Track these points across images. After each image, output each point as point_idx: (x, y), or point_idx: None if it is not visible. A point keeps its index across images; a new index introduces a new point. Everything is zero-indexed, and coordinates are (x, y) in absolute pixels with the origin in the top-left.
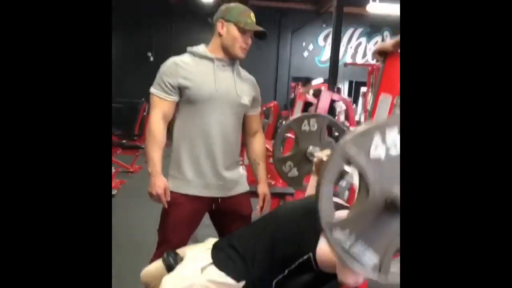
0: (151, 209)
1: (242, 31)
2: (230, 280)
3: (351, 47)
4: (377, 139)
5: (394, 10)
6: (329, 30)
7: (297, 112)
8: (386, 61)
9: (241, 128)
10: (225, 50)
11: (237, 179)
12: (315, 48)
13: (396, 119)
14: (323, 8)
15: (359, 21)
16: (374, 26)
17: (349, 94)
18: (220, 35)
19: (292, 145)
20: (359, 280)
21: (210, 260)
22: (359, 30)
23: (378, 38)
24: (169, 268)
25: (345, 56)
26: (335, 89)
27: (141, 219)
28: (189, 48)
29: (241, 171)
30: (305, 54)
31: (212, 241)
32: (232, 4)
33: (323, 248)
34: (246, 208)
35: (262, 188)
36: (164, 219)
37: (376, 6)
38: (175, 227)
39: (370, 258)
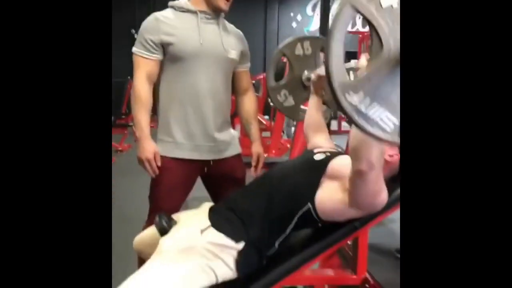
0: (140, 187)
1: None
2: (229, 242)
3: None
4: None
5: None
6: None
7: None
8: None
9: (231, 85)
10: (208, 2)
11: (229, 141)
12: (304, 18)
13: None
14: None
15: None
16: None
17: None
18: None
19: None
20: (374, 160)
21: (208, 223)
22: None
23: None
24: (163, 231)
25: None
26: None
27: (131, 197)
28: (170, 3)
29: (233, 132)
30: (294, 25)
31: (207, 205)
32: None
33: (321, 195)
34: (240, 171)
35: (256, 148)
36: (155, 185)
37: None
38: (166, 193)
39: (387, 120)
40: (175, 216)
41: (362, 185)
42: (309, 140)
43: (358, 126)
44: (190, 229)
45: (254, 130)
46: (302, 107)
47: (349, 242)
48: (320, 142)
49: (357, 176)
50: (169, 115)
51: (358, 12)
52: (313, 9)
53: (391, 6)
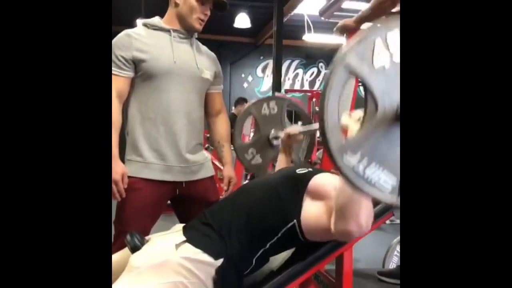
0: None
1: (200, 1)
2: (207, 258)
3: (288, 78)
4: (378, 45)
5: (328, 39)
6: (267, 61)
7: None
8: (349, 37)
9: (203, 106)
10: (182, 21)
11: (201, 162)
12: (254, 80)
13: (395, 19)
14: (260, 40)
15: (296, 53)
16: (309, 58)
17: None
18: (176, 4)
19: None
20: (363, 221)
21: (182, 238)
22: (295, 62)
23: (314, 69)
24: (135, 249)
25: (283, 86)
26: None
27: None
28: (143, 21)
29: (206, 153)
30: (245, 85)
31: (179, 226)
32: None
33: (308, 212)
34: (212, 194)
35: (228, 171)
36: (122, 207)
37: (311, 36)
38: (134, 216)
39: (386, 180)
40: (146, 237)
41: (348, 238)
42: None
43: (356, 187)
44: (164, 244)
45: (226, 152)
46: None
47: (327, 268)
48: None
49: (343, 235)
50: (139, 134)
51: (351, 72)
52: (263, 70)
53: (383, 67)
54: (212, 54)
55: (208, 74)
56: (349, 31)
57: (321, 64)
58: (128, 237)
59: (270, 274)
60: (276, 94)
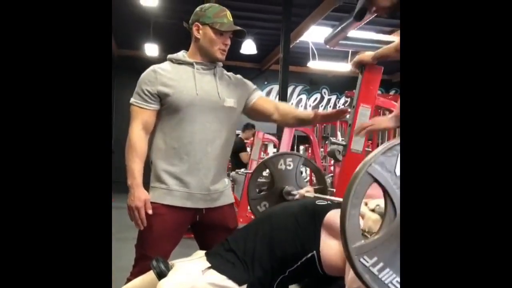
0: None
1: (219, 32)
2: (231, 284)
3: (292, 103)
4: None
5: (332, 66)
6: (271, 86)
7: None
8: (364, 72)
9: (232, 134)
10: (204, 53)
11: (222, 190)
12: None
13: None
14: (265, 66)
15: (300, 79)
16: (313, 84)
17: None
18: (197, 39)
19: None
20: None
21: (207, 264)
22: (299, 87)
23: (317, 95)
24: (161, 275)
25: None
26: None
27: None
28: (168, 56)
29: (226, 181)
30: None
31: (199, 253)
32: (207, 5)
33: (327, 249)
34: (232, 220)
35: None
36: (144, 232)
37: (316, 63)
38: (155, 241)
39: (397, 285)
40: (169, 262)
41: None
42: None
43: (367, 286)
44: (190, 270)
45: (300, 111)
46: None
47: None
48: None
49: None
50: (162, 164)
51: (374, 179)
52: (267, 95)
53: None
54: (237, 77)
55: (231, 102)
56: (364, 66)
57: (324, 90)
58: (154, 262)
59: None
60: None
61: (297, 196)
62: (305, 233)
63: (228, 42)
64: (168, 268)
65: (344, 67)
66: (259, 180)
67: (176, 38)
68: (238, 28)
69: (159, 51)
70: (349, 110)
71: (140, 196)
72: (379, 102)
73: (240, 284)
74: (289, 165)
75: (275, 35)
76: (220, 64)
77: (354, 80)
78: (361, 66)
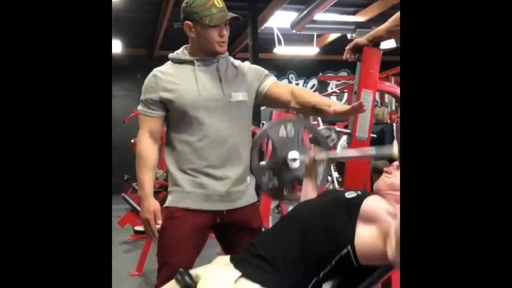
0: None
1: (211, 26)
2: None
3: None
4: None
5: (298, 51)
6: None
7: None
8: (363, 56)
9: (246, 129)
10: (203, 49)
11: (242, 190)
12: None
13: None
14: (230, 54)
15: (266, 65)
16: (280, 70)
17: None
18: (192, 37)
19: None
20: None
21: (238, 273)
22: None
23: (284, 81)
24: None
25: None
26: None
27: None
28: (169, 55)
29: (248, 179)
30: None
31: (222, 259)
32: None
33: (363, 237)
34: (256, 221)
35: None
36: (163, 238)
37: (282, 49)
38: (175, 246)
39: None
40: (191, 271)
41: None
42: None
43: None
44: (220, 281)
45: (319, 99)
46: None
47: None
48: None
49: None
50: (176, 169)
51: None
52: None
53: None
54: (245, 65)
55: (239, 96)
56: (361, 49)
57: (291, 75)
58: (178, 276)
59: None
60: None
61: (307, 160)
62: (339, 230)
63: (225, 32)
64: (194, 280)
65: (310, 51)
66: None
67: (140, 33)
68: (229, 17)
69: (122, 47)
70: (365, 104)
71: (149, 207)
72: (381, 86)
73: None
74: (290, 132)
75: (240, 23)
76: (224, 54)
77: (321, 64)
78: (357, 50)
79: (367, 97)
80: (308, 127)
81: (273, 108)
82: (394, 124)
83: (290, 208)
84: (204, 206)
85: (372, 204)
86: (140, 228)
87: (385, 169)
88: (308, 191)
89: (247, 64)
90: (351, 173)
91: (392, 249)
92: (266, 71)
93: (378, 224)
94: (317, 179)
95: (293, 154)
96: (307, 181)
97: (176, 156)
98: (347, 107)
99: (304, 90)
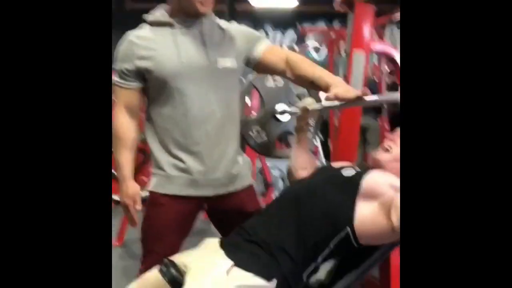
0: None
1: None
2: (260, 281)
3: None
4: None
5: (274, 2)
6: None
7: None
8: (354, 13)
9: (235, 102)
10: (183, 9)
11: (235, 174)
12: None
13: None
14: None
15: (242, 18)
16: (256, 21)
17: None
18: None
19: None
20: None
21: (229, 262)
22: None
23: (261, 32)
24: (174, 282)
25: None
26: None
27: None
28: (145, 16)
29: (241, 160)
30: None
31: (210, 242)
32: None
33: (363, 216)
34: (251, 205)
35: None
36: (146, 225)
37: (260, 1)
38: (159, 234)
39: None
40: (177, 259)
41: None
42: (299, 176)
43: None
44: (211, 273)
45: (319, 74)
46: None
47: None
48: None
49: None
50: (157, 148)
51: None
52: None
53: None
54: (234, 27)
55: (226, 62)
56: (353, 5)
57: (268, 27)
58: (163, 268)
59: (325, 285)
60: None
61: (298, 111)
62: (337, 212)
63: None
64: (180, 271)
65: (289, 3)
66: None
67: None
68: None
69: None
70: (369, 91)
71: (127, 191)
72: (376, 47)
73: (269, 279)
74: (279, 82)
75: None
76: (210, 15)
77: (298, 15)
78: (348, 4)
79: (359, 58)
80: None
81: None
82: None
83: (274, 172)
84: (189, 192)
85: (374, 179)
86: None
87: (387, 137)
88: (299, 147)
89: (235, 25)
90: (343, 138)
91: (397, 217)
92: (257, 33)
93: (380, 198)
94: (307, 133)
95: (281, 106)
96: (299, 136)
97: (157, 132)
98: (351, 93)
99: (300, 59)
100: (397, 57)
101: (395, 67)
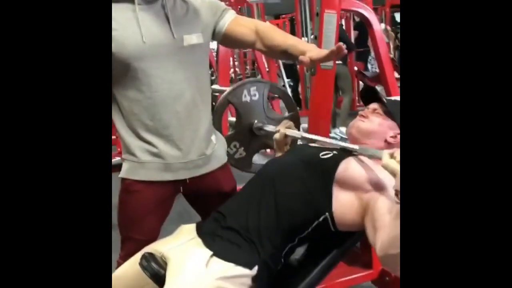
0: None
1: None
2: (242, 270)
3: None
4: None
5: None
6: None
7: None
8: None
9: (205, 78)
10: None
11: (208, 154)
12: None
13: None
14: None
15: None
16: None
17: None
18: None
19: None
20: None
21: (208, 252)
22: None
23: None
24: (157, 277)
25: None
26: None
27: None
28: None
29: (214, 139)
30: None
31: (186, 229)
32: None
33: (342, 205)
34: (227, 183)
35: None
36: (123, 212)
37: None
38: (137, 221)
39: None
40: (154, 249)
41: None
42: None
43: None
44: (193, 268)
45: (291, 42)
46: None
47: None
48: None
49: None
50: (126, 134)
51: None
52: None
53: None
54: (198, 0)
55: (192, 39)
56: None
57: None
58: (144, 262)
59: (304, 265)
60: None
61: (276, 137)
62: (316, 197)
63: None
64: (161, 265)
65: None
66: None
67: None
68: None
69: None
70: (344, 46)
71: None
72: (347, 5)
73: (250, 267)
74: (254, 95)
75: None
76: None
77: None
78: None
79: (331, 19)
80: (274, 90)
81: (236, 48)
82: None
83: None
84: (164, 176)
85: (350, 171)
86: None
87: (360, 112)
88: None
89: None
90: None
91: (381, 240)
92: (223, 5)
93: (356, 193)
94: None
95: (259, 122)
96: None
97: (125, 116)
98: (325, 52)
99: (271, 29)
100: (366, 13)
101: (367, 26)
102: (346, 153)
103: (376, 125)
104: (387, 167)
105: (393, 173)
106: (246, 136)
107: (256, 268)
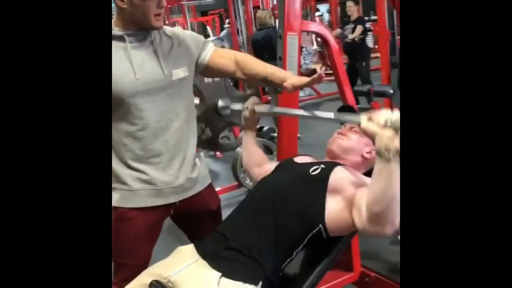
0: None
1: None
2: (248, 287)
3: None
4: None
5: None
6: None
7: None
8: None
9: (190, 106)
10: (137, 23)
11: (194, 177)
12: None
13: None
14: None
15: None
16: None
17: None
18: (122, 8)
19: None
20: (397, 224)
21: (217, 273)
22: None
23: None
24: None
25: None
26: None
27: None
28: None
29: (198, 162)
30: None
31: (185, 250)
32: None
33: (332, 211)
34: (213, 202)
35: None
36: (117, 239)
37: None
38: (131, 247)
39: None
40: (159, 275)
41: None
42: (254, 173)
43: None
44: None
45: (271, 70)
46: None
47: None
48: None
49: (378, 235)
50: (117, 163)
51: None
52: None
53: None
54: (179, 34)
55: (179, 73)
56: None
57: None
58: None
59: (301, 274)
60: None
61: (245, 114)
62: (311, 212)
63: (164, 3)
64: None
65: None
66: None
67: None
68: None
69: None
70: (324, 75)
71: None
72: (306, 27)
73: (256, 283)
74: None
75: None
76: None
77: None
78: None
79: (293, 41)
80: None
81: (215, 77)
82: None
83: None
84: (155, 202)
85: (338, 176)
86: None
87: (338, 130)
88: (249, 146)
89: (179, 30)
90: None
91: (360, 218)
92: (202, 37)
93: (341, 194)
94: (255, 128)
95: (223, 101)
96: (246, 136)
97: (114, 147)
98: (305, 80)
99: (249, 58)
100: (327, 35)
101: (325, 44)
102: (333, 164)
103: (354, 142)
104: (366, 129)
105: (373, 135)
106: (211, 116)
107: (260, 283)
